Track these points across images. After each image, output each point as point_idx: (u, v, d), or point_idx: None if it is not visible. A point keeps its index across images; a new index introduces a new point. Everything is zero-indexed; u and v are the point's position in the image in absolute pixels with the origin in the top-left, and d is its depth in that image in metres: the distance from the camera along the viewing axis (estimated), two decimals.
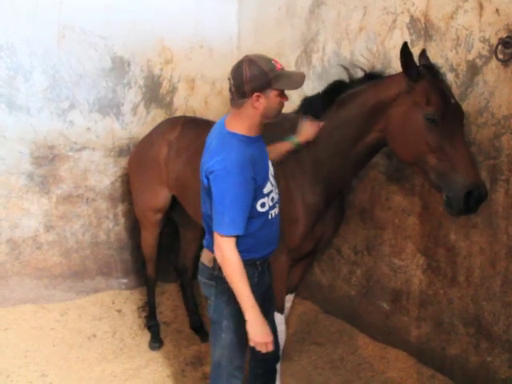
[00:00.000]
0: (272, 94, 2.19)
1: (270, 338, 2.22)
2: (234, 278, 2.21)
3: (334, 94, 2.90)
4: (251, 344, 2.24)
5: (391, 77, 2.76)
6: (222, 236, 2.21)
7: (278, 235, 2.53)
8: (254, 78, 2.15)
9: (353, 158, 2.84)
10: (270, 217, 2.39)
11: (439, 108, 2.46)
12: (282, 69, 2.22)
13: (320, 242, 3.20)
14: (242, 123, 2.26)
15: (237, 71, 2.21)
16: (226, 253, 2.21)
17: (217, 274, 2.37)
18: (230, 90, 2.26)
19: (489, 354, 3.09)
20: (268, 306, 2.64)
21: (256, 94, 2.17)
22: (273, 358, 2.76)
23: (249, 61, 2.19)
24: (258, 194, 2.28)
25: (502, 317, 2.98)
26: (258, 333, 2.20)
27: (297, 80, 2.25)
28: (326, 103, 2.91)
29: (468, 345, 3.22)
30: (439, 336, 3.41)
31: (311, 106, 2.96)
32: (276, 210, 2.44)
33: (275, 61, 2.22)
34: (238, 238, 2.25)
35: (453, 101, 2.52)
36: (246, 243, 2.33)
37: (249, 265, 2.35)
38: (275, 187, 2.45)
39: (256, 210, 2.30)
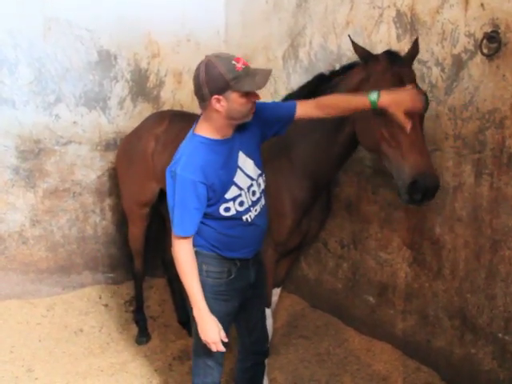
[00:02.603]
0: (233, 95, 2.08)
1: (214, 338, 2.26)
2: (182, 276, 2.27)
3: (314, 87, 2.88)
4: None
5: (356, 66, 2.72)
6: (174, 235, 2.26)
7: (260, 238, 2.50)
8: (210, 80, 2.07)
9: (336, 151, 2.83)
10: (245, 220, 2.35)
11: None
12: (245, 68, 2.09)
13: (306, 237, 3.21)
14: (208, 126, 2.22)
15: (195, 74, 2.15)
16: (175, 250, 2.27)
17: None
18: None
19: (473, 346, 3.12)
20: (256, 301, 2.65)
21: (215, 96, 2.09)
22: (261, 351, 2.77)
23: (206, 62, 2.10)
24: (217, 199, 2.25)
25: (486, 309, 3.01)
26: (202, 331, 2.27)
27: (259, 81, 2.10)
28: (307, 97, 2.89)
29: (453, 337, 3.25)
30: (424, 329, 3.43)
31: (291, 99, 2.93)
32: (253, 214, 2.37)
33: (237, 60, 2.10)
34: (208, 234, 2.31)
35: (408, 86, 2.36)
36: (219, 241, 2.34)
37: (225, 260, 2.38)
38: (252, 191, 2.36)
39: (220, 213, 2.29)
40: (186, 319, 4.18)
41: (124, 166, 4.03)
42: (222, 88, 2.07)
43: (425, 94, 2.45)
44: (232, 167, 2.28)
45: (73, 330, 4.10)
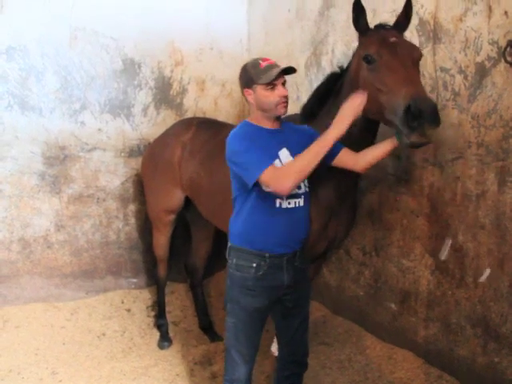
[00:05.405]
0: (258, 88, 2.36)
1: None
2: (308, 158, 2.24)
3: (330, 87, 2.88)
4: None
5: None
6: (261, 177, 2.25)
7: (290, 233, 2.47)
8: (241, 77, 2.46)
9: (356, 143, 2.67)
10: (278, 205, 2.38)
11: (374, 49, 2.44)
12: (268, 65, 2.35)
13: (333, 242, 3.14)
14: (252, 117, 2.49)
15: None
16: (277, 177, 2.23)
17: (227, 258, 2.50)
18: None
19: (496, 354, 3.10)
20: (296, 313, 2.62)
21: (245, 90, 2.43)
22: (299, 362, 2.76)
23: (243, 66, 2.48)
24: None
25: (510, 317, 2.99)
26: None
27: (272, 73, 2.32)
28: (325, 96, 2.90)
29: (475, 346, 3.22)
30: (447, 337, 3.41)
31: (311, 102, 2.95)
32: (284, 202, 2.40)
33: (263, 60, 2.40)
34: (243, 218, 2.41)
35: (393, 39, 2.46)
36: (251, 224, 2.41)
37: (255, 254, 2.41)
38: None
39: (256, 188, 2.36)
40: (207, 325, 4.22)
41: (150, 173, 4.05)
42: (247, 82, 2.41)
43: (417, 46, 2.56)
44: (272, 153, 2.39)
45: (96, 334, 4.15)
